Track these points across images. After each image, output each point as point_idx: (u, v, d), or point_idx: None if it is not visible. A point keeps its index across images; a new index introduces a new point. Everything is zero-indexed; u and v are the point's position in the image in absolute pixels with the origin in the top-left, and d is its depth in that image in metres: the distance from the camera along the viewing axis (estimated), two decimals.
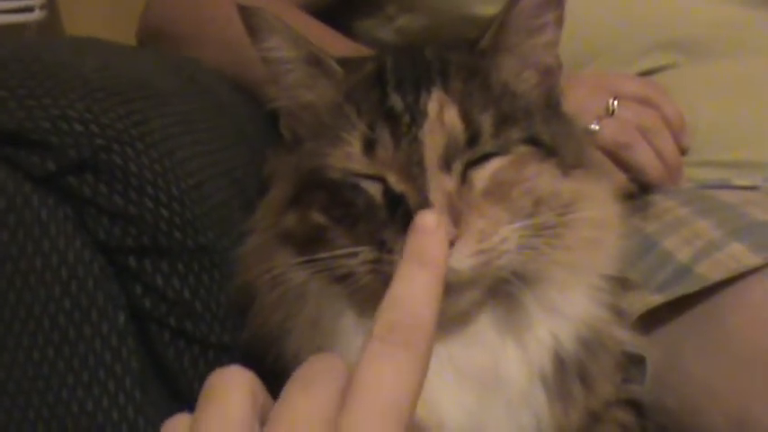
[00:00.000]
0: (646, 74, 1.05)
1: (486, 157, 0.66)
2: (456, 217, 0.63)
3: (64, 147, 0.76)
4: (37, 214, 0.75)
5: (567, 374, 0.71)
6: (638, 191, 0.97)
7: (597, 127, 0.94)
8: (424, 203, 0.62)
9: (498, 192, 0.66)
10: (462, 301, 0.67)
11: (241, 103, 1.03)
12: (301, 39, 0.71)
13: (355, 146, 0.67)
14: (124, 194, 0.78)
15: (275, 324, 0.73)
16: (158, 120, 0.84)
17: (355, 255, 0.66)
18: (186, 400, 0.83)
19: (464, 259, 0.63)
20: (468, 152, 0.66)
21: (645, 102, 0.97)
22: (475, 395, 0.70)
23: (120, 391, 0.77)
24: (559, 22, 0.72)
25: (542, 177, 0.68)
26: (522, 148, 0.68)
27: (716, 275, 0.82)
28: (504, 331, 0.70)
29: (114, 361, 0.77)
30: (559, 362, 0.71)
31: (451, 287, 0.63)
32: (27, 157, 0.75)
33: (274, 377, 0.76)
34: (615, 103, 0.95)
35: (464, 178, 0.66)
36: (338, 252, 0.67)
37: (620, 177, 0.94)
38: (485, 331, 0.70)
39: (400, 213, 0.64)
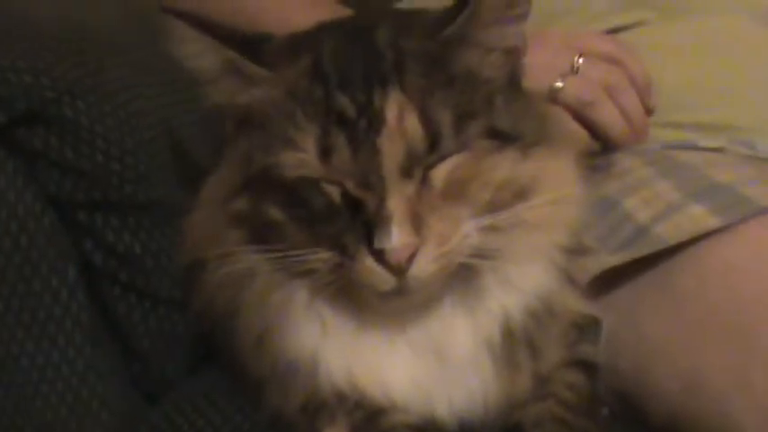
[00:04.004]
0: (616, 30, 1.03)
1: (444, 157, 0.65)
2: (417, 223, 0.63)
3: (13, 98, 0.74)
4: None
5: (514, 344, 0.72)
6: (602, 149, 0.95)
7: (561, 84, 0.93)
8: (384, 212, 0.62)
9: (457, 189, 0.65)
10: (423, 298, 0.68)
11: None
12: (216, 46, 0.67)
13: (310, 152, 0.64)
14: (75, 148, 0.77)
15: (223, 302, 0.72)
16: (113, 71, 0.82)
17: (315, 253, 0.66)
18: (137, 355, 0.83)
19: (426, 266, 0.63)
20: (429, 157, 0.64)
21: (611, 60, 0.95)
22: (424, 365, 0.71)
23: (69, 345, 0.77)
24: (529, 11, 0.69)
25: (501, 167, 0.67)
26: (482, 143, 0.66)
27: (674, 237, 0.82)
28: (457, 302, 0.71)
29: (64, 315, 0.77)
30: (507, 332, 0.71)
31: (412, 289, 0.64)
32: None
33: (223, 352, 0.77)
34: (580, 60, 0.94)
35: (423, 179, 0.64)
36: (297, 251, 0.66)
37: (583, 135, 0.93)
38: (438, 302, 0.71)
39: (360, 221, 0.63)
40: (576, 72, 0.94)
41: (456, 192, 0.65)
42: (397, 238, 0.62)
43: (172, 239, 0.80)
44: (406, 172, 0.63)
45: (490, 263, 0.69)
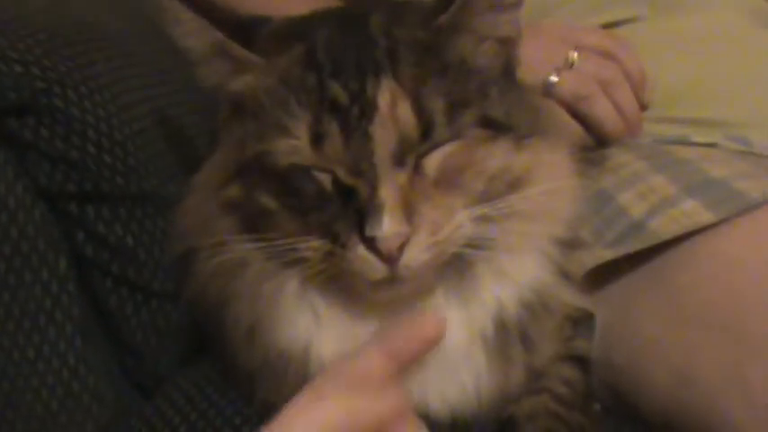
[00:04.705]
0: (611, 26, 1.03)
1: (437, 145, 0.65)
2: (409, 212, 0.62)
3: (3, 89, 0.74)
4: None
5: (507, 337, 0.71)
6: (596, 144, 0.95)
7: (556, 78, 0.93)
8: (376, 200, 0.61)
9: (450, 177, 0.65)
10: (415, 287, 0.67)
11: None
12: (207, 26, 0.67)
13: (302, 139, 0.64)
14: (66, 139, 0.76)
15: (215, 291, 0.72)
16: (105, 63, 0.82)
17: (306, 241, 0.65)
18: (130, 348, 0.83)
19: (418, 255, 0.63)
20: (422, 146, 0.64)
21: (606, 55, 0.95)
22: None
23: (60, 338, 0.76)
24: (523, 0, 0.69)
25: (494, 156, 0.67)
26: (475, 131, 0.66)
27: (668, 232, 0.82)
28: (451, 294, 0.70)
29: (54, 308, 0.76)
30: (501, 325, 0.70)
31: (404, 278, 0.64)
32: None
33: (216, 344, 0.76)
34: (575, 54, 0.93)
35: (415, 168, 0.64)
36: (289, 240, 0.66)
37: (578, 130, 0.93)
38: (432, 294, 0.70)
39: (352, 208, 0.63)
40: (571, 66, 0.94)
41: (449, 181, 0.65)
42: (388, 226, 0.61)
43: (164, 231, 0.80)
44: (399, 160, 0.63)
45: (484, 253, 0.68)
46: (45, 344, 0.76)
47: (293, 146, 0.64)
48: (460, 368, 0.71)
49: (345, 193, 0.64)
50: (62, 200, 0.78)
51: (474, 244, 0.67)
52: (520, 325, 0.71)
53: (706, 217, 0.81)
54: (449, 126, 0.64)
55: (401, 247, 0.62)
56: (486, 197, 0.66)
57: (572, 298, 0.76)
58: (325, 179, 0.64)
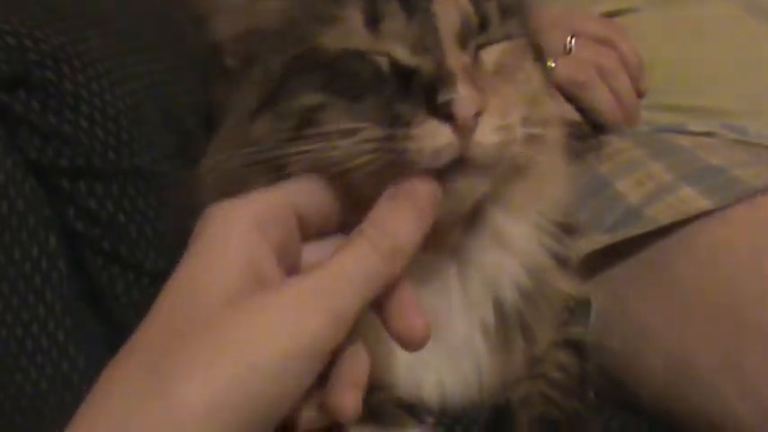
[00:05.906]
0: (608, 15, 1.03)
1: (493, 41, 0.63)
2: (477, 88, 0.58)
3: None
4: None
5: (508, 325, 0.70)
6: (593, 132, 0.95)
7: (553, 64, 0.92)
8: (445, 74, 0.58)
9: (505, 73, 0.64)
10: (478, 184, 0.61)
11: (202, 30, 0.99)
12: None
13: (356, 21, 0.60)
14: (58, 113, 0.75)
15: None
16: (99, 38, 0.80)
17: (354, 133, 0.59)
18: (120, 327, 0.81)
19: (489, 134, 0.58)
20: (481, 36, 0.62)
21: (603, 42, 0.95)
22: None
23: (50, 316, 0.75)
24: None
25: (536, 74, 0.67)
26: (522, 40, 0.65)
27: (665, 218, 0.82)
28: (452, 274, 0.69)
29: (44, 285, 0.75)
30: (501, 311, 0.69)
31: (473, 166, 0.59)
32: None
33: None
34: (573, 41, 0.93)
35: (475, 57, 0.62)
36: (332, 128, 0.59)
37: (574, 116, 0.93)
38: (434, 275, 0.68)
39: (416, 86, 0.59)
40: (569, 53, 0.93)
41: (505, 76, 0.63)
42: (463, 88, 0.57)
43: (158, 209, 0.79)
44: (462, 42, 0.61)
45: (490, 209, 0.67)
46: (34, 322, 0.74)
47: (345, 31, 0.61)
48: (461, 355, 0.69)
49: (403, 77, 0.60)
50: (53, 175, 0.77)
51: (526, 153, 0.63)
52: (518, 313, 0.70)
53: (703, 204, 0.81)
54: (501, 26, 0.63)
55: (476, 118, 0.57)
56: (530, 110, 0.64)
57: (569, 286, 0.74)
58: (382, 61, 0.61)
